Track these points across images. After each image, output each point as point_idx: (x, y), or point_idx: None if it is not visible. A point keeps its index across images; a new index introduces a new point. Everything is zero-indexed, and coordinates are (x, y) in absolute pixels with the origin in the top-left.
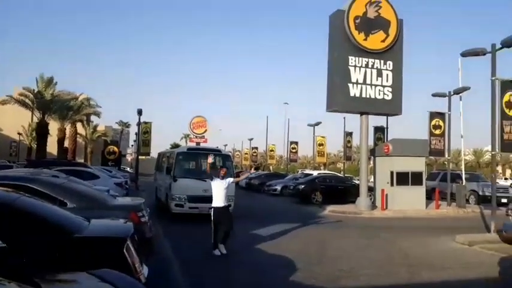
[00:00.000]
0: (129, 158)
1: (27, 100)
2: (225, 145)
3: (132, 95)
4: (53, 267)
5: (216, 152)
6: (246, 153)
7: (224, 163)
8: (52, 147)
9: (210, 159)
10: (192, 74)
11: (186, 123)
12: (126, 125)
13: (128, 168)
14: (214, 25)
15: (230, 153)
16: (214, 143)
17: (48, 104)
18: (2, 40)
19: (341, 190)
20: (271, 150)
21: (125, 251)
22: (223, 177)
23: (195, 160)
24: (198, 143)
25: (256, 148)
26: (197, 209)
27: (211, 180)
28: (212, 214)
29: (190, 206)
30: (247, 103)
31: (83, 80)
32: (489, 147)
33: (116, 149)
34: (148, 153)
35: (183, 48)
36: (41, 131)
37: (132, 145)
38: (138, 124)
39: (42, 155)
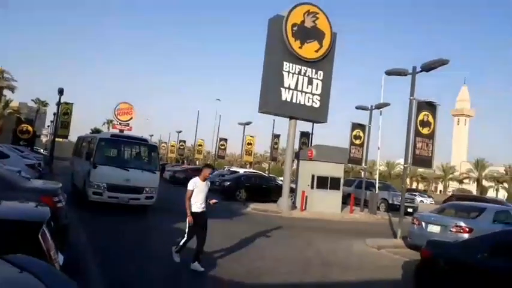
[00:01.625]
0: (44, 139)
1: None
2: (151, 135)
3: (53, 72)
4: None
5: (142, 141)
6: (172, 146)
7: (150, 154)
8: None
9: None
10: (123, 59)
11: (110, 108)
12: (44, 104)
13: (42, 150)
14: (152, 9)
15: (156, 144)
16: (139, 132)
17: None
18: None
19: (265, 189)
20: (200, 145)
21: (39, 236)
22: (204, 180)
23: (118, 148)
24: (121, 130)
25: (184, 142)
26: (117, 198)
27: (193, 181)
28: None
29: (110, 196)
30: (179, 96)
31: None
32: (400, 160)
33: (30, 128)
34: (66, 136)
35: (114, 31)
36: None
37: (48, 126)
38: (58, 104)
39: None
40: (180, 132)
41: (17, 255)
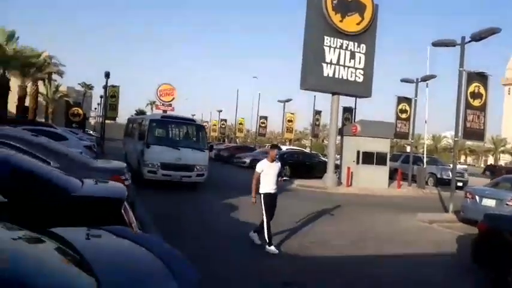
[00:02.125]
0: (92, 121)
1: None
2: (193, 115)
3: (96, 56)
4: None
5: (190, 121)
6: (214, 125)
7: (198, 134)
8: (11, 105)
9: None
10: (161, 39)
11: (152, 89)
12: (89, 87)
13: (92, 132)
14: None
15: (205, 124)
16: (181, 111)
17: (9, 59)
18: None
19: (308, 166)
20: (240, 124)
21: (122, 211)
22: (272, 161)
23: (168, 128)
24: (165, 111)
25: (225, 120)
26: (170, 176)
27: (261, 164)
28: (263, 202)
29: (164, 173)
30: (218, 74)
31: (47, 38)
32: (447, 134)
33: (80, 111)
34: (114, 118)
35: (153, 14)
36: (1, 89)
37: (95, 108)
38: (105, 87)
39: (3, 113)
40: (220, 111)
41: (116, 227)
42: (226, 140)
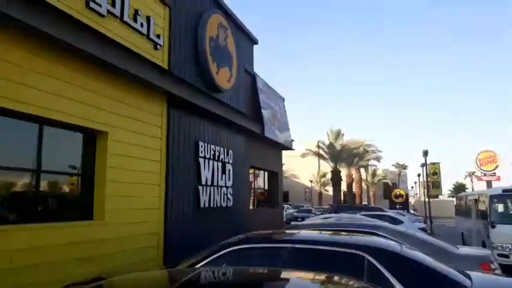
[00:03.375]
0: (412, 200)
1: (321, 151)
2: None
3: (408, 136)
4: None
5: None
6: None
7: None
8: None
9: None
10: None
11: (470, 159)
12: (403, 167)
13: (413, 211)
14: None
15: None
16: (509, 180)
17: (338, 153)
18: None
19: None
20: None
21: None
22: None
23: None
24: (488, 182)
25: None
26: None
27: None
28: None
29: None
30: None
31: (363, 128)
32: None
33: (402, 192)
34: (437, 196)
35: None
36: (335, 178)
37: (412, 187)
38: (424, 165)
39: (338, 200)
40: None
41: None
42: None
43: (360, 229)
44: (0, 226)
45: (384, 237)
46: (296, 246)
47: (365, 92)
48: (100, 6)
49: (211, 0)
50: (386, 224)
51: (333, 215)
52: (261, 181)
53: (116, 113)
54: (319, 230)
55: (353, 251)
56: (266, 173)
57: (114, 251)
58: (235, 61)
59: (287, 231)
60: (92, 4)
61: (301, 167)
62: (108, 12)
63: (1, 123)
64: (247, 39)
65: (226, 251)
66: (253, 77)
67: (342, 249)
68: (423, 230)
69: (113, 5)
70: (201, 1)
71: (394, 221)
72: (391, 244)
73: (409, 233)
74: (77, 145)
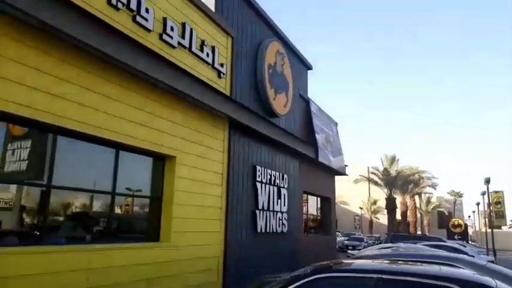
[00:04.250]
0: (470, 230)
1: (375, 178)
2: None
3: (466, 163)
4: None
5: None
6: None
7: None
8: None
9: None
10: None
11: None
12: (459, 195)
13: (472, 242)
14: None
15: None
16: None
17: (393, 180)
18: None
19: None
20: None
21: None
22: None
23: None
24: None
25: None
26: None
27: None
28: None
29: None
30: None
31: (416, 155)
32: None
33: (461, 221)
34: (500, 226)
35: None
36: (389, 206)
37: (469, 216)
38: (485, 194)
39: (392, 229)
40: None
41: None
42: None
43: (436, 260)
44: (79, 246)
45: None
46: (383, 276)
47: (416, 114)
48: (171, 38)
49: (269, 29)
50: (464, 256)
51: (389, 244)
52: (310, 206)
53: (183, 137)
54: (392, 260)
55: (445, 283)
56: (318, 199)
57: (177, 273)
58: (291, 87)
59: (367, 261)
60: (164, 36)
61: (350, 193)
62: (179, 43)
63: (82, 148)
64: (302, 65)
65: (307, 279)
66: (307, 101)
67: (432, 281)
68: (492, 263)
69: (183, 36)
70: (260, 30)
71: (457, 252)
72: (484, 278)
73: (490, 267)
74: (146, 168)
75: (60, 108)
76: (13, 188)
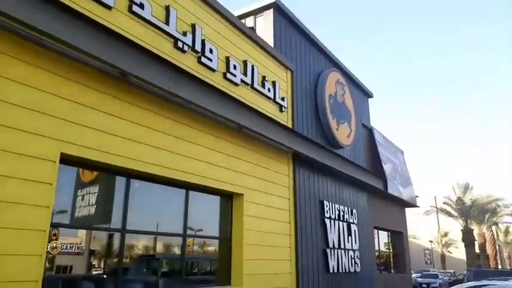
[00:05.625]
0: None
1: (448, 208)
2: None
3: None
4: None
5: None
6: None
7: None
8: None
9: None
10: None
11: None
12: None
13: None
14: None
15: None
16: None
17: (468, 210)
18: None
19: None
20: None
21: None
22: None
23: None
24: None
25: None
26: None
27: None
28: None
29: None
30: None
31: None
32: None
33: None
34: None
35: None
36: (467, 239)
37: None
38: None
39: (472, 263)
40: None
41: None
42: None
43: None
44: None
45: None
46: None
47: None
48: (235, 76)
49: (328, 60)
50: None
51: (472, 283)
52: (377, 242)
53: (250, 174)
54: None
55: None
56: (387, 233)
57: None
58: (353, 116)
59: None
60: (228, 75)
61: (417, 225)
62: (241, 81)
63: (157, 190)
64: (362, 94)
65: None
66: (370, 130)
67: None
68: None
69: (245, 74)
70: (319, 61)
71: None
72: None
73: None
74: (214, 208)
75: (135, 152)
76: (82, 232)
